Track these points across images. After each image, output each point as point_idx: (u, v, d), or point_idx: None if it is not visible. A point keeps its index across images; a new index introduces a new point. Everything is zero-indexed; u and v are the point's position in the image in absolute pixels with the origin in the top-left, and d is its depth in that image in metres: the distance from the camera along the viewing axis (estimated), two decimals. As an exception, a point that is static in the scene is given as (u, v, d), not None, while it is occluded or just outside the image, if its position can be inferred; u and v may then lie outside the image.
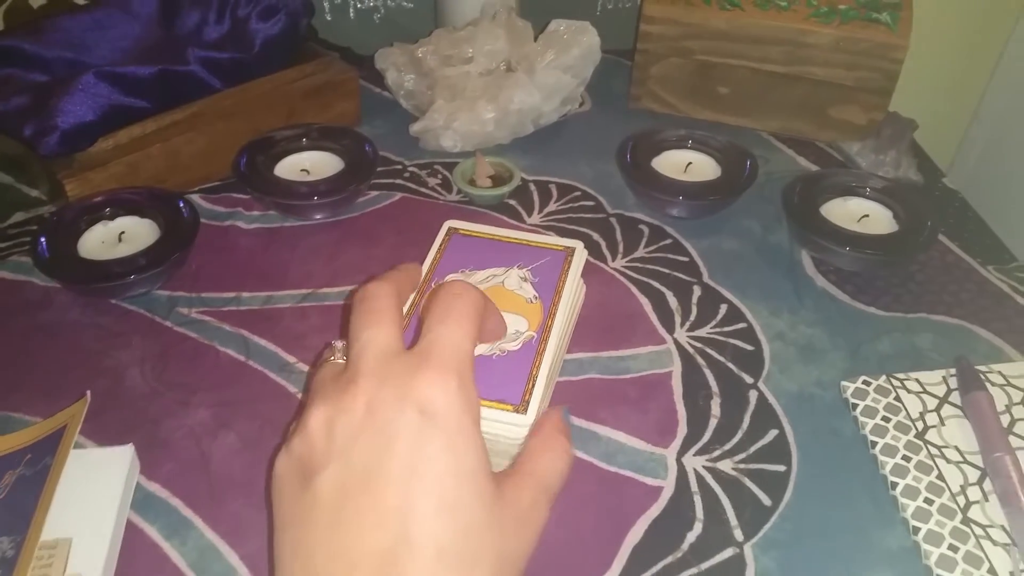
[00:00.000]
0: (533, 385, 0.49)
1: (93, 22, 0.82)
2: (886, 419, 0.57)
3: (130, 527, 0.51)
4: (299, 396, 0.60)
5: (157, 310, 0.66)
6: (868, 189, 0.75)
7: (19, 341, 0.64)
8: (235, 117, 0.78)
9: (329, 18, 0.98)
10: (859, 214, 0.74)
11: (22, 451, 0.52)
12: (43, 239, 0.66)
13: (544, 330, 0.53)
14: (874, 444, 0.56)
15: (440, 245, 0.60)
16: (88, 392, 0.54)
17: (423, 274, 0.56)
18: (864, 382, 0.60)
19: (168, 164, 0.75)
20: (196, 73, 0.76)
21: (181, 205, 0.69)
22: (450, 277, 0.57)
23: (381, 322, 0.39)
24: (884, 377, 0.60)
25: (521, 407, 0.48)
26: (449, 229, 0.62)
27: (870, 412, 0.58)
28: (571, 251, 0.59)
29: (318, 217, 0.76)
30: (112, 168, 0.72)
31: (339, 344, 0.43)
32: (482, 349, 0.52)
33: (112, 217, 0.69)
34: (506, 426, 0.48)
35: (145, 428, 0.57)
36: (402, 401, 0.35)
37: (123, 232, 0.68)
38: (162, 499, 0.53)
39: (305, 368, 0.62)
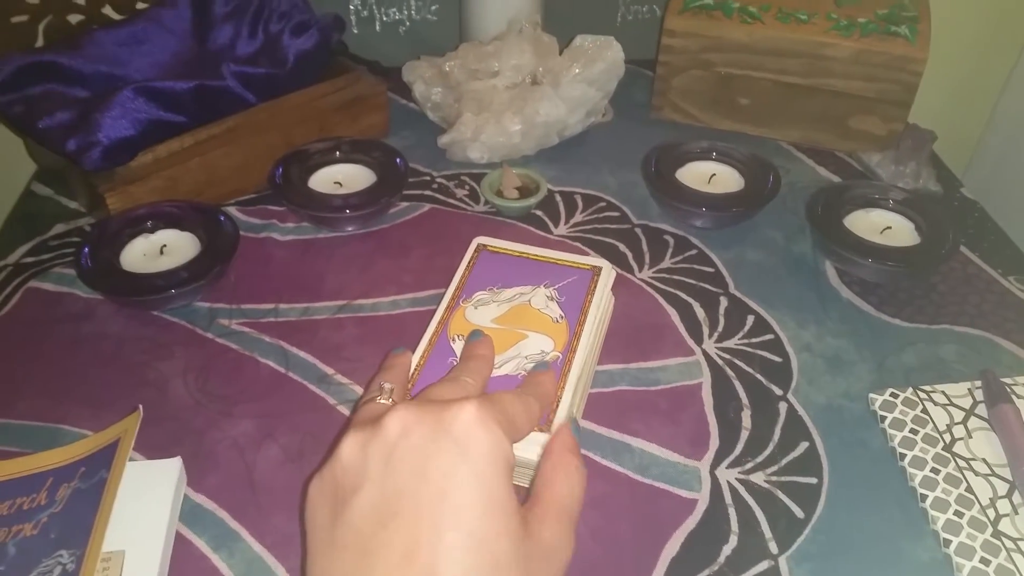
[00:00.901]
0: (557, 406, 0.51)
1: (129, 37, 0.84)
2: (914, 431, 0.58)
3: (179, 539, 0.53)
4: (338, 408, 0.61)
5: (198, 322, 0.68)
6: (890, 201, 0.76)
7: (63, 352, 0.66)
8: (269, 131, 0.80)
9: (356, 31, 1.00)
10: (882, 226, 0.75)
11: (76, 464, 0.53)
12: (86, 251, 0.68)
13: (569, 351, 0.54)
14: (903, 456, 0.57)
15: (469, 262, 0.62)
16: (140, 406, 0.55)
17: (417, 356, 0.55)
18: (891, 394, 0.61)
19: (206, 177, 0.77)
20: (231, 88, 0.77)
21: (222, 219, 0.71)
22: (478, 295, 0.59)
23: (451, 383, 0.42)
24: (911, 389, 0.61)
25: (545, 427, 0.49)
26: (478, 246, 0.63)
27: (898, 424, 0.59)
28: (597, 270, 0.60)
29: (350, 229, 0.78)
30: (152, 182, 0.73)
31: (387, 386, 0.44)
32: (507, 368, 0.53)
33: (153, 230, 0.71)
34: (530, 446, 0.50)
35: (190, 439, 0.59)
36: (437, 427, 0.36)
37: (165, 245, 0.70)
38: (209, 511, 0.54)
39: (344, 380, 0.63)
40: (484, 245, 0.63)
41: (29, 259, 0.75)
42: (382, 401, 0.43)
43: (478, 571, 0.34)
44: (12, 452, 0.57)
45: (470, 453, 0.36)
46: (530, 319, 0.56)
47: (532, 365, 0.53)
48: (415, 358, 0.54)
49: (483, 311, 0.58)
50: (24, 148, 0.88)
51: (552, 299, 0.58)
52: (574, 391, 0.52)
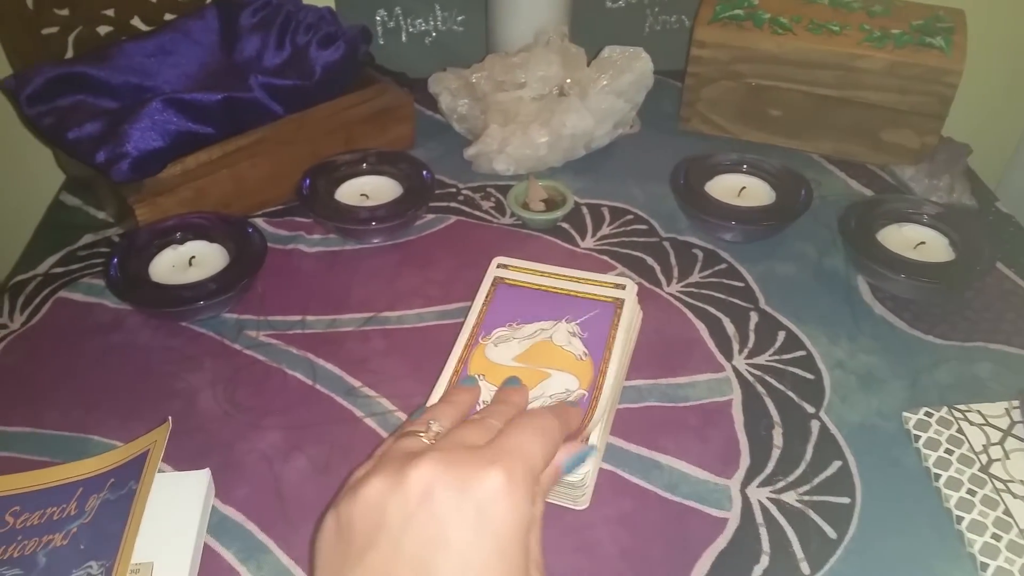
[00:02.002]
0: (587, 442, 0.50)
1: (157, 48, 0.84)
2: (949, 451, 0.57)
3: (207, 551, 0.53)
4: (365, 420, 0.61)
5: (226, 333, 0.68)
6: (924, 215, 0.75)
7: (92, 363, 0.66)
8: (296, 143, 0.80)
9: (381, 42, 1.00)
10: (915, 241, 0.74)
11: (106, 475, 0.53)
12: (115, 262, 0.68)
13: (595, 388, 0.53)
14: (937, 477, 0.56)
15: (486, 297, 0.61)
16: (170, 418, 0.55)
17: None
18: (926, 413, 0.60)
19: (234, 189, 0.77)
20: (259, 99, 0.78)
21: (250, 231, 0.71)
22: (497, 332, 0.58)
23: (480, 431, 0.40)
24: (945, 408, 0.60)
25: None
26: (495, 279, 0.62)
27: (932, 444, 0.58)
28: (620, 303, 0.59)
29: (376, 241, 0.78)
30: (180, 193, 0.74)
31: (436, 427, 0.42)
32: (533, 406, 0.52)
33: (182, 241, 0.71)
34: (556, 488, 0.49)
35: (218, 451, 0.59)
36: (463, 493, 0.35)
37: (193, 256, 0.70)
38: (237, 523, 0.54)
39: (370, 392, 0.63)
40: (501, 279, 0.62)
41: (58, 269, 0.76)
42: (423, 439, 0.41)
43: None
44: (41, 462, 0.57)
45: (494, 525, 0.34)
46: (553, 357, 0.56)
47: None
48: (432, 397, 0.53)
49: (503, 349, 0.57)
50: (53, 158, 0.89)
51: (574, 335, 0.57)
52: (601, 430, 0.51)
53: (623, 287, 0.61)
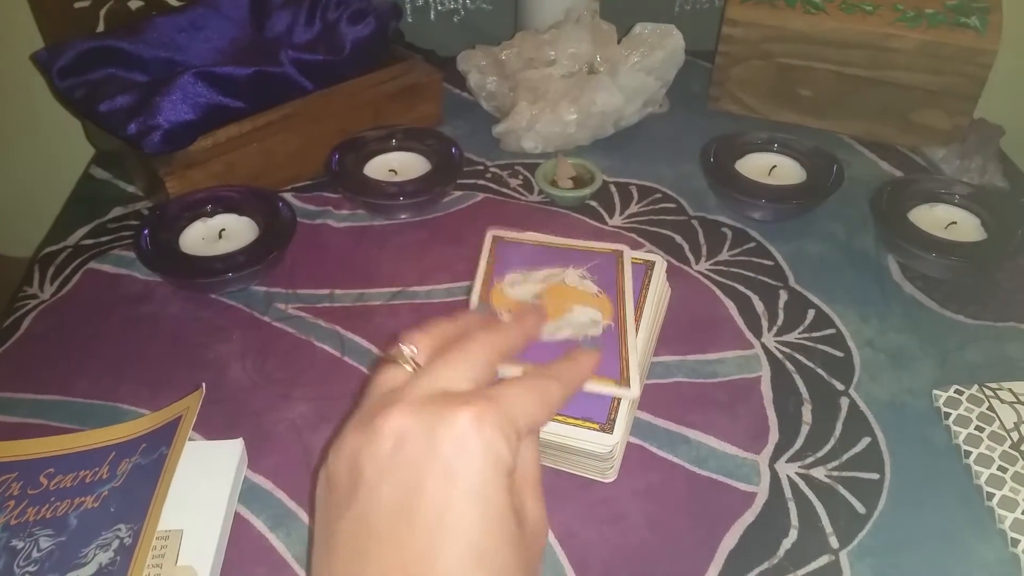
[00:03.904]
0: (627, 367, 0.50)
1: (188, 22, 0.85)
2: (979, 429, 0.57)
3: (236, 518, 0.53)
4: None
5: (255, 305, 0.68)
6: (956, 196, 0.75)
7: (122, 333, 0.66)
8: (325, 118, 0.80)
9: (410, 20, 1.00)
10: (946, 221, 0.73)
11: (137, 440, 0.54)
12: (146, 233, 0.68)
13: (619, 321, 0.53)
14: (968, 454, 0.56)
15: (489, 254, 0.60)
16: (203, 385, 0.56)
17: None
18: (956, 391, 0.60)
19: (263, 163, 0.77)
20: (289, 74, 0.78)
21: (280, 205, 0.71)
22: (509, 277, 0.57)
23: (459, 364, 0.38)
24: (976, 386, 0.60)
25: (607, 426, 0.49)
26: (493, 237, 0.62)
27: (963, 421, 0.58)
28: (619, 254, 0.59)
29: (404, 217, 0.78)
30: (211, 166, 0.74)
31: (407, 350, 0.40)
32: (566, 333, 0.52)
33: (212, 214, 0.71)
34: (592, 444, 0.49)
35: (248, 421, 0.59)
36: (431, 439, 0.34)
37: (223, 229, 0.70)
38: (267, 491, 0.55)
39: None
40: (499, 236, 0.62)
41: (88, 241, 0.76)
42: (405, 367, 0.39)
43: None
44: (71, 429, 0.58)
45: (464, 467, 0.34)
46: (570, 295, 0.55)
47: (589, 332, 0.52)
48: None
49: (519, 289, 0.56)
50: (83, 132, 0.90)
51: (584, 277, 0.57)
52: (636, 350, 0.51)
53: (620, 251, 0.60)
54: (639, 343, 0.53)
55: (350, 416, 0.38)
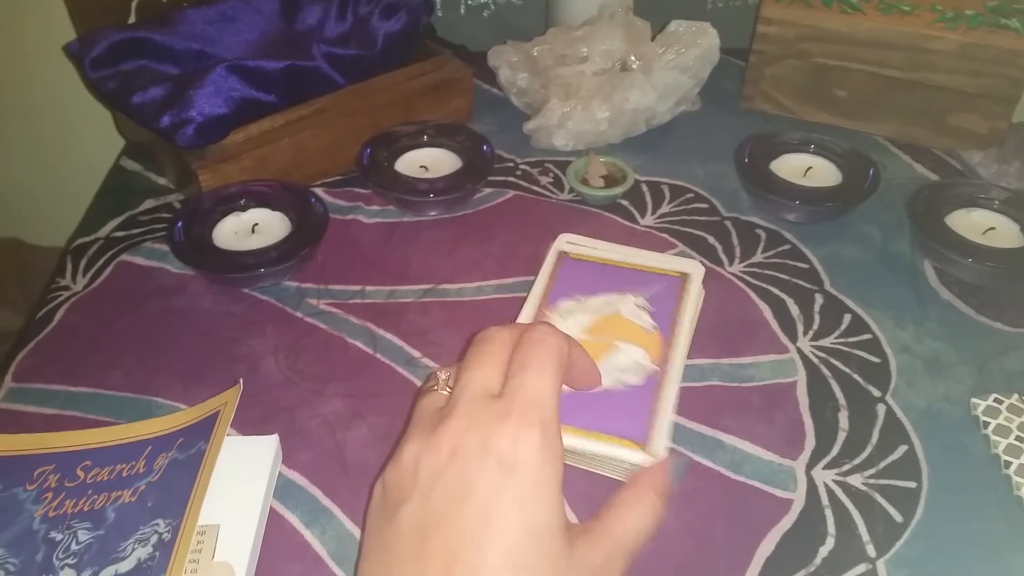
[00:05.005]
0: (655, 422, 0.49)
1: (219, 15, 0.85)
2: (1020, 439, 0.56)
3: (271, 513, 0.53)
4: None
5: (287, 301, 0.68)
6: (995, 201, 0.74)
7: (155, 326, 0.67)
8: (357, 113, 0.80)
9: (440, 14, 0.99)
10: (984, 226, 0.72)
11: (174, 434, 0.54)
12: (179, 226, 0.68)
13: (665, 362, 0.53)
14: (1007, 464, 0.55)
15: (551, 270, 0.60)
16: (240, 380, 0.56)
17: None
18: (995, 400, 0.59)
19: (294, 157, 0.77)
20: (321, 68, 0.78)
21: (312, 200, 0.71)
22: (563, 304, 0.57)
23: (485, 364, 0.40)
24: (1016, 396, 0.59)
25: (642, 443, 0.48)
26: (560, 253, 0.61)
27: (1002, 431, 0.57)
28: (686, 277, 0.59)
29: (434, 213, 0.77)
30: (243, 160, 0.74)
31: (443, 375, 0.44)
32: (606, 383, 0.51)
33: (245, 208, 0.71)
34: (628, 464, 0.49)
35: (282, 416, 0.59)
36: (484, 450, 0.36)
37: (256, 224, 0.70)
38: (301, 487, 0.55)
39: (431, 363, 0.63)
40: (565, 252, 0.61)
41: (119, 233, 0.76)
42: (439, 393, 0.43)
43: None
44: (105, 422, 0.58)
45: (515, 477, 0.36)
46: (621, 329, 0.55)
47: (629, 379, 0.52)
48: None
49: (571, 321, 0.56)
50: (113, 123, 0.90)
51: (642, 308, 0.56)
52: (671, 407, 0.51)
53: (688, 273, 0.59)
54: (672, 385, 0.51)
55: (403, 435, 0.40)
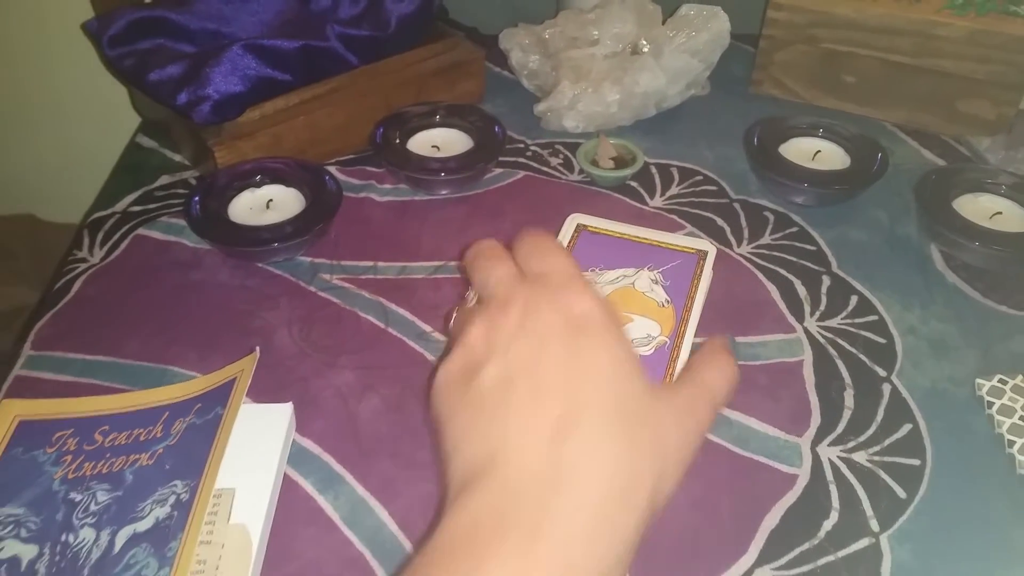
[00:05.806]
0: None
1: (235, -6, 0.85)
2: None
3: (285, 480, 0.54)
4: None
5: (301, 275, 0.69)
6: (1002, 186, 0.74)
7: (172, 298, 0.68)
8: (370, 93, 0.80)
9: (453, -3, 1.00)
10: (992, 211, 0.73)
11: (191, 400, 0.55)
12: (196, 200, 0.69)
13: (677, 336, 0.53)
14: (1011, 443, 0.56)
15: (568, 244, 0.61)
16: (257, 348, 0.57)
17: None
18: (1000, 380, 0.60)
19: (309, 136, 0.78)
20: (335, 49, 0.78)
21: (327, 178, 0.72)
22: None
23: (503, 259, 0.40)
24: (1021, 377, 0.60)
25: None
26: (577, 226, 0.62)
27: (1007, 411, 0.58)
28: (703, 254, 0.59)
29: (445, 192, 0.78)
30: (258, 138, 0.75)
31: (472, 294, 0.44)
32: None
33: (260, 185, 0.72)
34: None
35: (296, 386, 0.60)
36: (554, 309, 0.36)
37: (271, 200, 0.71)
38: (315, 455, 0.56)
39: (441, 338, 0.64)
40: (583, 225, 0.62)
41: (136, 208, 0.77)
42: (475, 304, 0.42)
43: (616, 402, 0.34)
44: (121, 389, 0.59)
45: (589, 327, 0.36)
46: (635, 302, 0.56)
47: (639, 350, 0.52)
48: None
49: None
50: (129, 100, 0.90)
51: (656, 282, 0.57)
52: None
53: (705, 251, 0.60)
54: (684, 358, 0.52)
55: (449, 348, 0.39)
